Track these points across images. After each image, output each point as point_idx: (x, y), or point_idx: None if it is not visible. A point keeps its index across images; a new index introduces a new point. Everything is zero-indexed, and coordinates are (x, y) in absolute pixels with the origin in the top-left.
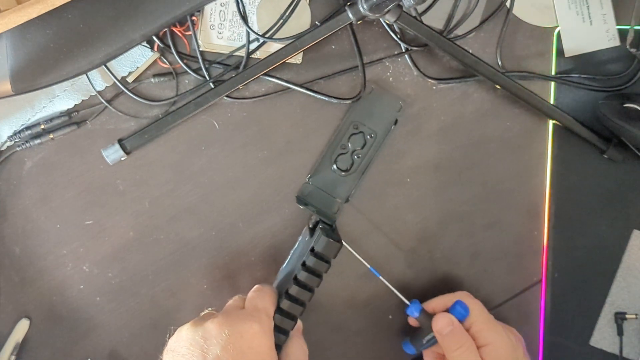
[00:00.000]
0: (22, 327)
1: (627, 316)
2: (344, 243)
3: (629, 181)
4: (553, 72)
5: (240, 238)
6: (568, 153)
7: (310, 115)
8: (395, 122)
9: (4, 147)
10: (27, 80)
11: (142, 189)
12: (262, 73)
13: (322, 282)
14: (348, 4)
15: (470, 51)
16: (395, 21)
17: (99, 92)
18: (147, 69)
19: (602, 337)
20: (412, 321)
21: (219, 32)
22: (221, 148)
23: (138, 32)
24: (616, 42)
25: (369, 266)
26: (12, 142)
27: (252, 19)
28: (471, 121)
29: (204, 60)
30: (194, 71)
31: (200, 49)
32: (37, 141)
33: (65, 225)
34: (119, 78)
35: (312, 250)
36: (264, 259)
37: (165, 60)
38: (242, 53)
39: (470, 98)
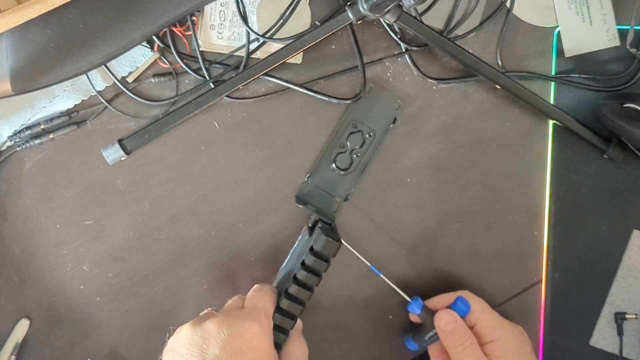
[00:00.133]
0: (22, 327)
1: (627, 316)
2: (343, 242)
3: (629, 181)
4: (553, 72)
5: (240, 238)
6: (568, 153)
7: (310, 115)
8: (394, 121)
9: (4, 147)
10: (27, 80)
11: (142, 189)
12: (262, 73)
13: (322, 282)
14: (348, 4)
15: (470, 51)
16: (395, 21)
17: (99, 92)
18: (147, 69)
19: (602, 337)
20: (414, 317)
21: (219, 32)
22: (221, 148)
23: (138, 32)
24: (616, 42)
25: (369, 264)
26: (12, 142)
27: (252, 19)
28: (471, 121)
29: (204, 60)
30: (194, 71)
31: (200, 49)
32: (37, 141)
33: (65, 225)
34: (119, 78)
35: (312, 249)
36: (264, 259)
37: (165, 60)
38: (242, 53)
39: (470, 98)
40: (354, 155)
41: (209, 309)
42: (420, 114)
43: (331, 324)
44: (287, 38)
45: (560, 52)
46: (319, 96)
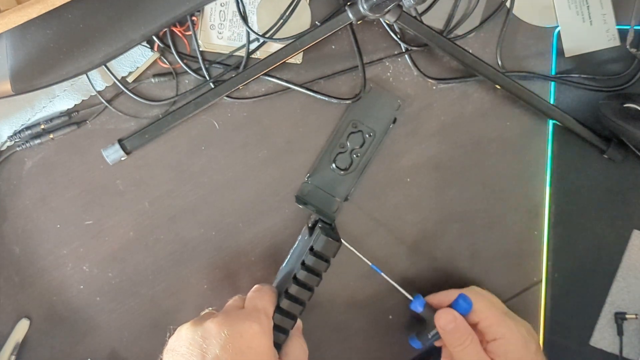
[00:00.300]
0: (22, 327)
1: (627, 316)
2: (344, 242)
3: (629, 181)
4: (553, 72)
5: (240, 238)
6: (568, 153)
7: (310, 115)
8: (394, 121)
9: (4, 147)
10: (27, 80)
11: (142, 189)
12: (262, 73)
13: (322, 282)
14: (348, 4)
15: (470, 51)
16: (395, 21)
17: (99, 92)
18: (147, 69)
19: (602, 337)
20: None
21: (219, 32)
22: (221, 148)
23: (138, 32)
24: (616, 42)
25: (370, 264)
26: (12, 142)
27: (252, 19)
28: (471, 121)
29: (204, 60)
30: (194, 71)
31: (200, 49)
32: (37, 141)
33: (65, 225)
34: (119, 78)
35: (312, 249)
36: (264, 259)
37: (165, 60)
38: (242, 53)
39: (470, 98)
40: (354, 155)
41: (210, 308)
42: (420, 114)
43: (331, 324)
44: (287, 38)
45: (560, 52)
46: (319, 96)
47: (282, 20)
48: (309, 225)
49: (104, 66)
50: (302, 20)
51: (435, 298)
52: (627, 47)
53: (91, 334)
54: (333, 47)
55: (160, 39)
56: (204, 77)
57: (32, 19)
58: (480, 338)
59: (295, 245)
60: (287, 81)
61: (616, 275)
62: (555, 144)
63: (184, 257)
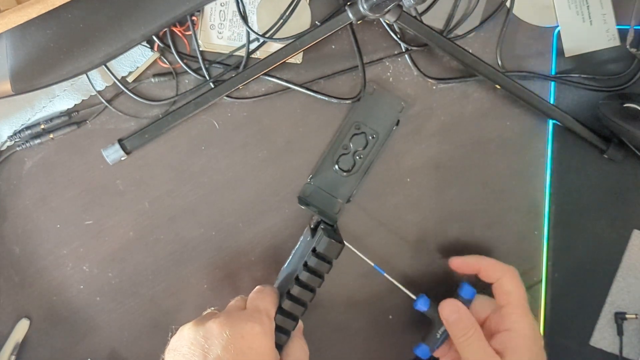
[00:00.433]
0: (22, 327)
1: (627, 316)
2: (346, 243)
3: (629, 181)
4: (553, 72)
5: (240, 238)
6: (568, 153)
7: (310, 115)
8: (397, 123)
9: (4, 147)
10: (27, 80)
11: (142, 189)
12: (262, 73)
13: (323, 282)
14: (348, 4)
15: (470, 51)
16: (395, 21)
17: (99, 92)
18: (147, 68)
19: (602, 337)
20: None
21: (219, 32)
22: (221, 148)
23: (138, 32)
24: (616, 42)
25: (372, 264)
26: (12, 142)
27: (252, 19)
28: (471, 121)
29: (204, 60)
30: (194, 71)
31: (200, 49)
32: (37, 141)
33: (65, 225)
34: (119, 78)
35: (314, 250)
36: (264, 259)
37: (165, 60)
38: (242, 53)
39: (470, 98)
40: (357, 157)
41: (212, 308)
42: (420, 114)
43: (331, 324)
44: (287, 38)
45: (560, 52)
46: (319, 96)
47: (282, 20)
48: (312, 226)
49: (104, 66)
50: (302, 20)
51: (457, 261)
52: (627, 47)
53: (91, 334)
54: (333, 47)
55: (160, 39)
56: (204, 77)
57: (32, 19)
58: (495, 326)
59: (297, 246)
60: (287, 81)
61: (616, 275)
62: (555, 144)
63: (184, 257)
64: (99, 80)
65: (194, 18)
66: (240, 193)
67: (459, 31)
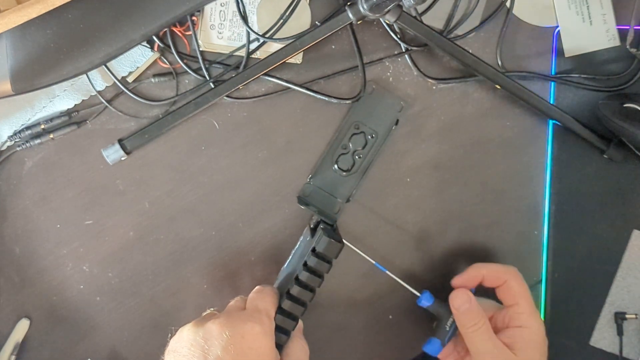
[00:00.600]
0: (22, 327)
1: (627, 316)
2: (346, 242)
3: (629, 181)
4: (553, 72)
5: (240, 238)
6: (568, 153)
7: (310, 115)
8: (397, 123)
9: (4, 147)
10: (27, 80)
11: (142, 189)
12: (262, 73)
13: (323, 282)
14: (348, 4)
15: (470, 51)
16: (395, 21)
17: (99, 92)
18: (147, 69)
19: (602, 337)
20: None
21: (219, 32)
22: (221, 148)
23: (138, 32)
24: (616, 42)
25: (373, 262)
26: (12, 142)
27: (252, 19)
28: (471, 121)
29: (204, 60)
30: (194, 71)
31: (200, 49)
32: (37, 141)
33: (65, 225)
34: (119, 78)
35: (314, 250)
36: (264, 259)
37: (165, 60)
38: (242, 53)
39: (470, 98)
40: (356, 157)
41: (211, 309)
42: (420, 114)
43: (331, 323)
44: (287, 38)
45: (560, 52)
46: (319, 96)
47: (282, 20)
48: (311, 226)
49: (104, 66)
50: (302, 20)
51: (462, 278)
52: (627, 47)
53: (91, 334)
54: (333, 47)
55: (160, 39)
56: (204, 77)
57: (32, 19)
58: (503, 324)
59: (297, 246)
60: (287, 81)
61: (616, 275)
62: (555, 144)
63: (184, 257)
64: (99, 80)
65: (194, 18)
66: (240, 193)
67: (459, 31)
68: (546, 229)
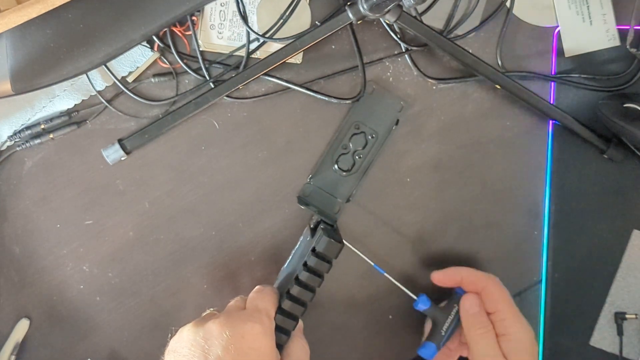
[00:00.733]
0: (22, 327)
1: (627, 316)
2: (346, 242)
3: (629, 181)
4: (553, 72)
5: (240, 238)
6: (568, 153)
7: (310, 115)
8: (397, 122)
9: (4, 147)
10: (27, 80)
11: (142, 189)
12: (262, 73)
13: (323, 282)
14: (348, 3)
15: (470, 51)
16: (395, 21)
17: (99, 92)
18: (147, 68)
19: (602, 337)
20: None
21: (219, 32)
22: (221, 148)
23: (138, 32)
24: (616, 42)
25: (373, 264)
26: (12, 142)
27: (252, 19)
28: (471, 121)
29: (204, 60)
30: (194, 71)
31: (200, 49)
32: (37, 141)
33: (65, 225)
34: (119, 78)
35: (314, 250)
36: (264, 259)
37: (165, 60)
38: (242, 53)
39: (470, 98)
40: (357, 157)
41: (211, 309)
42: (420, 114)
43: (331, 324)
44: (287, 38)
45: (560, 52)
46: (319, 96)
47: (282, 20)
48: (311, 226)
49: (104, 66)
50: (302, 20)
51: (439, 274)
52: (627, 47)
53: (91, 334)
54: (333, 47)
55: (160, 39)
56: (204, 77)
57: (32, 19)
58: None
59: (297, 246)
60: (287, 81)
61: (616, 275)
62: (555, 144)
63: (184, 257)
64: (99, 80)
65: (194, 18)
66: (240, 193)
67: (459, 31)
68: (546, 229)
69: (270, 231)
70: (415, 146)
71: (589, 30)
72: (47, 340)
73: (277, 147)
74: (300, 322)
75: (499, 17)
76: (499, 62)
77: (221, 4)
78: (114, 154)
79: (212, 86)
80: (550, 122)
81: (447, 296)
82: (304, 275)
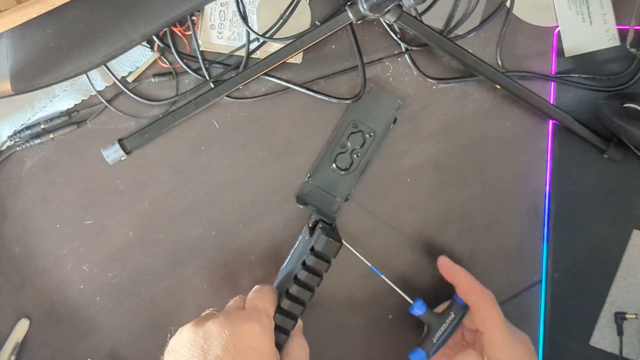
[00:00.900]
0: (22, 327)
1: (627, 316)
2: (344, 242)
3: (629, 181)
4: (553, 72)
5: (240, 238)
6: (568, 153)
7: (310, 115)
8: (395, 121)
9: (4, 147)
10: (27, 80)
11: (142, 189)
12: (262, 73)
13: (322, 282)
14: (348, 3)
15: (470, 51)
16: (395, 21)
17: (99, 91)
18: (147, 68)
19: (602, 337)
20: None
21: (219, 32)
22: (221, 148)
23: (138, 32)
24: (616, 42)
25: (370, 265)
26: (12, 142)
27: (252, 18)
28: (471, 121)
29: (204, 60)
30: (194, 71)
31: (200, 49)
32: (37, 141)
33: (65, 225)
34: (119, 78)
35: (312, 249)
36: (264, 258)
37: (165, 60)
38: (242, 53)
39: (470, 98)
40: (355, 156)
41: (211, 309)
42: (420, 113)
43: (331, 323)
44: (287, 38)
45: (560, 52)
46: (319, 96)
47: (282, 20)
48: (310, 225)
49: (104, 66)
50: (302, 20)
51: (445, 265)
52: (627, 47)
53: (91, 334)
54: (333, 47)
55: (160, 39)
56: (204, 77)
57: (32, 19)
58: (479, 349)
59: (296, 245)
60: (287, 81)
61: (616, 275)
62: (555, 144)
63: (184, 257)
64: (99, 80)
65: (194, 18)
66: (240, 193)
67: (459, 31)
68: (546, 229)
69: (270, 231)
70: (415, 146)
71: (589, 30)
72: (47, 340)
73: (277, 147)
74: (300, 322)
75: (499, 17)
76: (499, 62)
77: (221, 4)
78: (114, 154)
79: (212, 86)
80: (550, 122)
81: (446, 299)
82: (302, 275)
